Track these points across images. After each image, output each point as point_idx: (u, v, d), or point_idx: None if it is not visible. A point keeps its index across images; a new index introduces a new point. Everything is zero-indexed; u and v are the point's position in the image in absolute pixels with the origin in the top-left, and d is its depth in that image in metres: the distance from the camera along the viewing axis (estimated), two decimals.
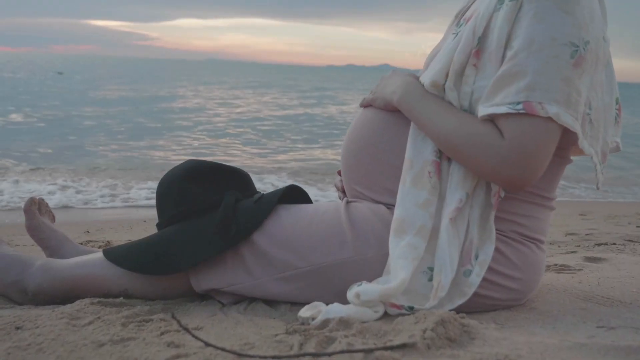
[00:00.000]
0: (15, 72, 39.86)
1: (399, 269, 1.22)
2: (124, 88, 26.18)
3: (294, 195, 1.56)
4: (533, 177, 1.21)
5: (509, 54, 1.22)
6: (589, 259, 2.15)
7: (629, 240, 3.01)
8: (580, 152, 1.35)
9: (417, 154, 1.32)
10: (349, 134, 1.50)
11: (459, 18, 1.43)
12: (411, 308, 1.21)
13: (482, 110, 1.23)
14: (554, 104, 1.17)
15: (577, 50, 1.19)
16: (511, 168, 1.20)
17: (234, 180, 1.55)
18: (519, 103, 1.18)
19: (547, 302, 1.44)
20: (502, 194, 1.29)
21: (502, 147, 1.20)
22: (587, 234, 3.39)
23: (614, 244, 2.85)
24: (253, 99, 24.19)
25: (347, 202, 1.43)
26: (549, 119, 1.18)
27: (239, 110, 17.75)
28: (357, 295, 1.21)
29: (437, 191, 1.30)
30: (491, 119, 1.23)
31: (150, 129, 11.79)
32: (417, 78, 1.43)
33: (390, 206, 1.37)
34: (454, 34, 1.36)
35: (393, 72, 1.50)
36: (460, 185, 1.28)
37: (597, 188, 1.38)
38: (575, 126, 1.20)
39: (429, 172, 1.30)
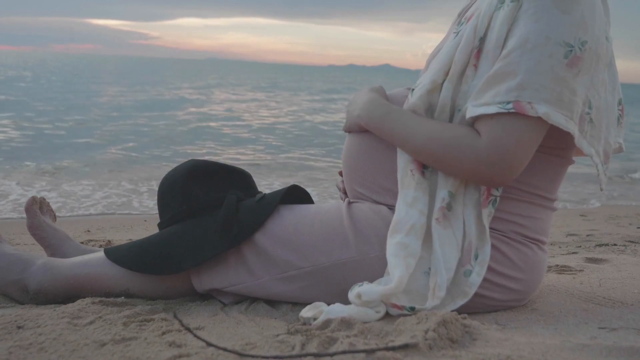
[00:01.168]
0: (33, 71, 38.61)
1: (394, 268, 1.23)
2: (152, 89, 24.64)
3: (296, 195, 1.56)
4: (512, 175, 1.22)
5: (503, 52, 1.22)
6: (590, 260, 2.15)
7: (630, 241, 3.01)
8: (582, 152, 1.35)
9: (401, 154, 1.34)
10: (349, 137, 1.50)
11: (461, 17, 1.43)
12: (412, 309, 1.21)
13: (472, 111, 1.23)
14: (543, 104, 1.17)
15: (571, 50, 1.19)
16: (489, 166, 1.20)
17: (235, 180, 1.55)
18: (508, 102, 1.18)
19: (549, 303, 1.44)
20: (498, 192, 1.29)
21: (479, 147, 1.21)
22: (587, 235, 3.39)
23: (615, 244, 2.85)
24: (301, 102, 22.36)
25: (349, 202, 1.43)
26: (538, 118, 1.18)
27: (311, 117, 15.86)
28: (359, 296, 1.21)
29: (426, 188, 1.31)
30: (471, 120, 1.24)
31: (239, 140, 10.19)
32: (381, 91, 1.44)
33: (391, 207, 1.37)
34: (455, 32, 1.35)
35: (358, 92, 1.49)
36: (442, 184, 1.29)
37: (601, 189, 1.38)
38: (569, 126, 1.20)
39: (411, 170, 1.31)
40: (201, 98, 21.00)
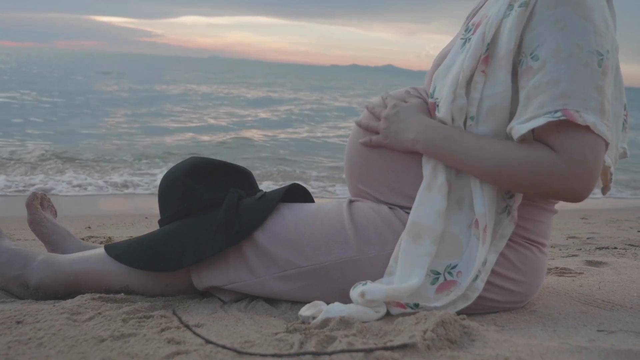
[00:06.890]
0: (53, 70, 37.35)
1: (413, 275, 1.23)
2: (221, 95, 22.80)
3: (297, 194, 1.56)
4: (592, 188, 1.19)
5: (535, 65, 1.19)
6: (590, 263, 2.15)
7: (630, 245, 3.01)
8: None
9: (426, 163, 1.32)
10: (354, 132, 1.50)
11: (468, 21, 1.42)
12: (416, 305, 1.22)
13: (520, 129, 1.18)
14: (590, 113, 1.14)
15: (602, 59, 1.17)
16: (573, 183, 1.16)
17: (236, 178, 1.55)
18: (557, 111, 1.15)
19: (548, 305, 1.44)
20: (512, 201, 1.28)
21: (559, 164, 1.16)
22: (588, 238, 3.39)
23: (615, 247, 2.85)
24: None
25: (350, 201, 1.44)
26: (587, 128, 1.14)
27: None
28: (362, 294, 1.21)
29: (452, 197, 1.30)
30: (534, 136, 1.20)
31: None
32: (425, 107, 1.37)
33: (392, 206, 1.37)
34: (462, 39, 1.34)
35: (400, 109, 1.39)
36: (480, 205, 1.26)
37: (604, 194, 1.37)
38: (609, 136, 1.18)
39: (439, 180, 1.30)
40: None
